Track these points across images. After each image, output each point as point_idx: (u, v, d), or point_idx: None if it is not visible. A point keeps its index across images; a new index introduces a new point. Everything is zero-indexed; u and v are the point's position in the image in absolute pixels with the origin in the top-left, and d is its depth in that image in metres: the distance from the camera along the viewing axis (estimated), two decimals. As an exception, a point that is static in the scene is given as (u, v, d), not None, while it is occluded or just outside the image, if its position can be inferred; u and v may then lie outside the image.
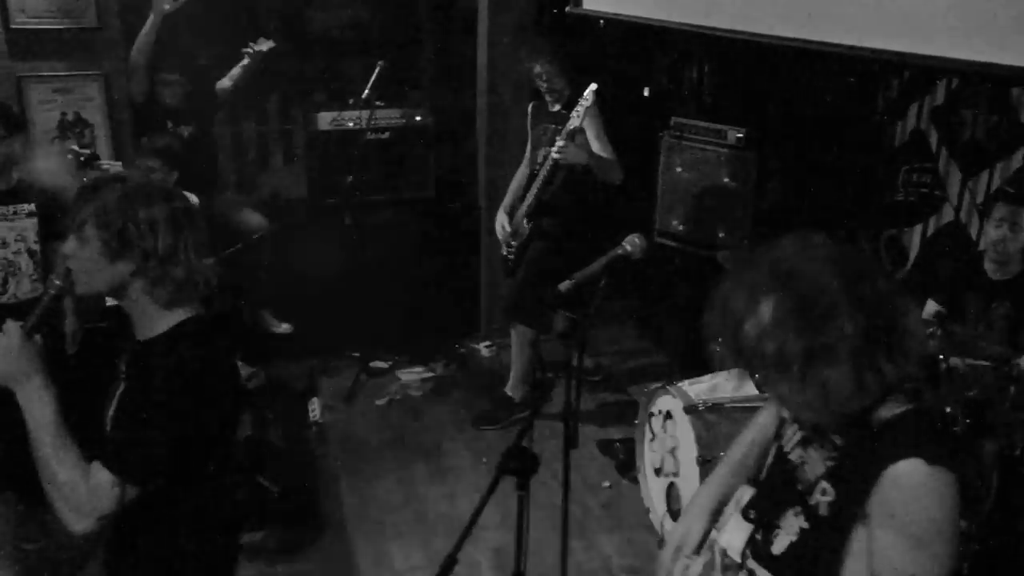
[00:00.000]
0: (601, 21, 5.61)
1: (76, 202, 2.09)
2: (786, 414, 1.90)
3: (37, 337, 2.14)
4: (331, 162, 5.65)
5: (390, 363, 5.64)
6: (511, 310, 5.06)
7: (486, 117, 5.80)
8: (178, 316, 2.14)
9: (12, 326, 2.11)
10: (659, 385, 4.13)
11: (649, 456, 4.20)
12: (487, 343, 5.97)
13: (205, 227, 2.16)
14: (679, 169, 5.43)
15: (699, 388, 3.95)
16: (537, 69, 4.77)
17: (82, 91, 5.11)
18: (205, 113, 5.46)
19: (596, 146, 4.69)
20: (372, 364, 5.57)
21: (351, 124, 5.63)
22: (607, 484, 4.55)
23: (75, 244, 2.09)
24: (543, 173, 4.75)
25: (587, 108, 4.45)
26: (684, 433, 3.85)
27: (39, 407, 2.03)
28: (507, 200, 5.13)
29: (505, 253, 5.06)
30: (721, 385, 3.95)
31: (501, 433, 4.96)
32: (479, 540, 3.89)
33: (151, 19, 4.95)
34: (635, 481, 4.33)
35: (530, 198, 4.85)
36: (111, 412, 2.18)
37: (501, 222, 5.07)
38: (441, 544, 4.06)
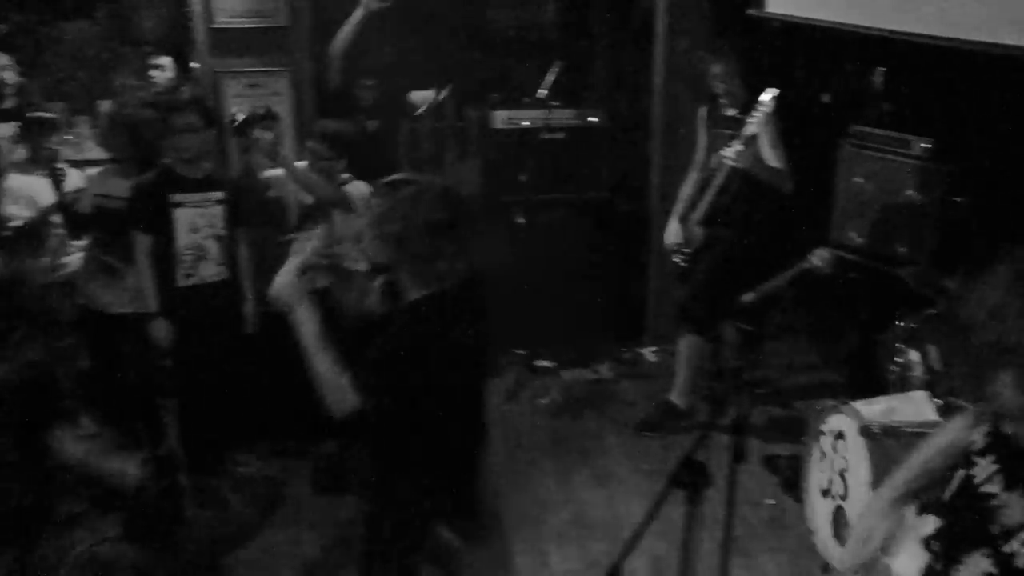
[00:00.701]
0: (779, 24, 5.45)
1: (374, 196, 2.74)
2: (981, 440, 1.81)
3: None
4: (505, 160, 5.72)
5: (554, 363, 5.66)
6: (682, 318, 4.97)
7: (661, 120, 5.74)
8: (417, 293, 2.64)
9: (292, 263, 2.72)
10: (832, 403, 3.97)
11: (816, 476, 4.06)
12: (652, 348, 5.91)
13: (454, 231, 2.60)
14: (858, 179, 5.20)
15: (874, 410, 3.78)
16: (715, 70, 4.70)
17: (272, 86, 5.36)
18: (393, 112, 5.59)
19: (769, 153, 4.58)
20: (536, 363, 5.61)
21: (526, 123, 5.68)
22: (770, 501, 4.43)
23: (369, 227, 2.68)
24: (718, 180, 4.66)
25: (765, 115, 4.34)
26: (857, 456, 3.70)
27: (307, 325, 2.60)
28: (679, 207, 5.05)
29: (678, 260, 4.99)
30: (898, 409, 3.77)
31: (663, 440, 4.91)
32: (640, 548, 3.84)
33: (356, 14, 5.12)
34: (800, 500, 4.19)
35: (704, 205, 4.77)
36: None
37: (672, 230, 5.00)
38: (599, 548, 4.06)
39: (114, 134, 4.58)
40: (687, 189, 5.06)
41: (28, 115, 5.26)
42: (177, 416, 4.76)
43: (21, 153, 5.01)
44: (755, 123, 4.38)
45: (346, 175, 4.39)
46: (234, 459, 4.87)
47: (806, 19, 5.02)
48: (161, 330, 4.33)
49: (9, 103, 5.47)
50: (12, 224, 4.68)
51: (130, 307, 4.48)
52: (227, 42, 5.21)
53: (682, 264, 4.95)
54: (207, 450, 4.69)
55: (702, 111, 5.05)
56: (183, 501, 4.42)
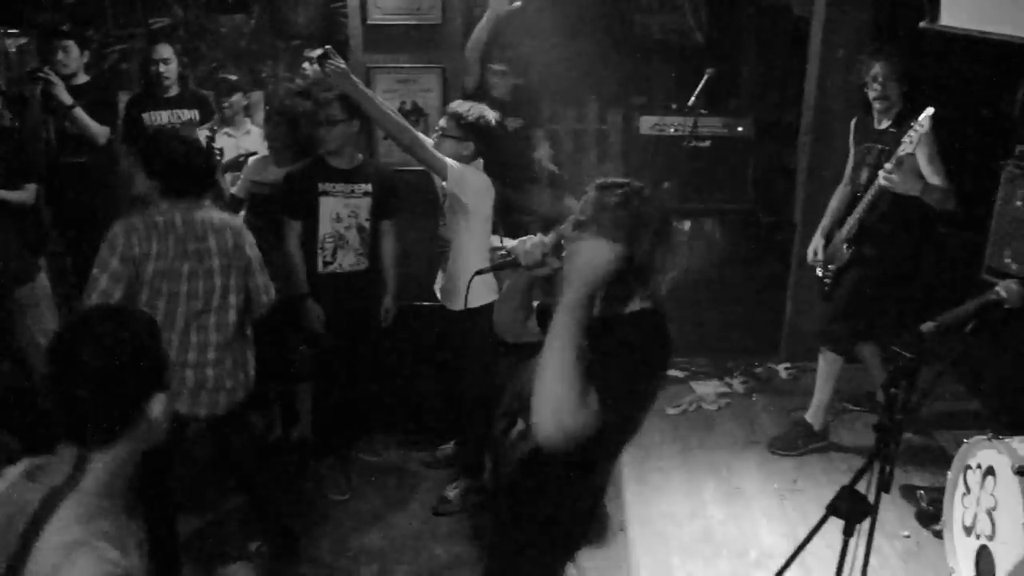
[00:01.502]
0: (940, 36, 5.23)
1: (593, 194, 2.32)
2: None
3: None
4: (648, 166, 5.67)
5: (685, 373, 5.59)
6: (824, 336, 4.83)
7: (811, 132, 5.59)
8: (638, 304, 2.35)
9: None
10: (982, 437, 3.78)
11: (959, 511, 3.87)
12: (787, 365, 5.77)
13: (679, 245, 2.35)
14: (1020, 203, 4.96)
15: (1031, 447, 3.59)
16: (875, 70, 4.51)
17: (422, 82, 5.43)
18: (531, 110, 5.57)
19: (928, 171, 4.39)
20: (667, 372, 5.53)
21: (672, 130, 5.62)
22: (906, 534, 4.25)
23: (573, 228, 2.32)
24: (868, 197, 4.50)
25: (921, 135, 4.17)
26: (1009, 495, 3.50)
27: (574, 312, 2.15)
28: (825, 221, 4.92)
29: (821, 275, 4.85)
30: (1057, 449, 3.57)
31: (795, 459, 4.79)
32: (768, 568, 3.76)
33: (486, 16, 5.18)
34: (939, 535, 4.02)
35: (852, 221, 4.62)
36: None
37: (815, 246, 4.87)
38: (726, 567, 3.98)
39: (273, 124, 4.73)
40: (834, 203, 4.93)
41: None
42: (311, 401, 4.90)
43: (193, 118, 5.55)
44: (910, 143, 4.20)
45: (476, 159, 4.25)
46: (362, 447, 4.98)
47: (985, 33, 4.80)
48: (313, 310, 4.46)
49: (173, 92, 5.71)
50: None
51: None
52: (380, 38, 5.31)
53: (825, 282, 4.81)
54: (337, 436, 4.79)
55: (853, 122, 4.90)
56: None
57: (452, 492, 4.50)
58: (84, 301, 3.43)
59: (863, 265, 4.65)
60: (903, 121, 4.46)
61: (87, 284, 3.43)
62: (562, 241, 2.35)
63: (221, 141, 5.45)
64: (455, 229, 4.20)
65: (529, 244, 2.39)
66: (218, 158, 5.09)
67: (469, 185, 4.08)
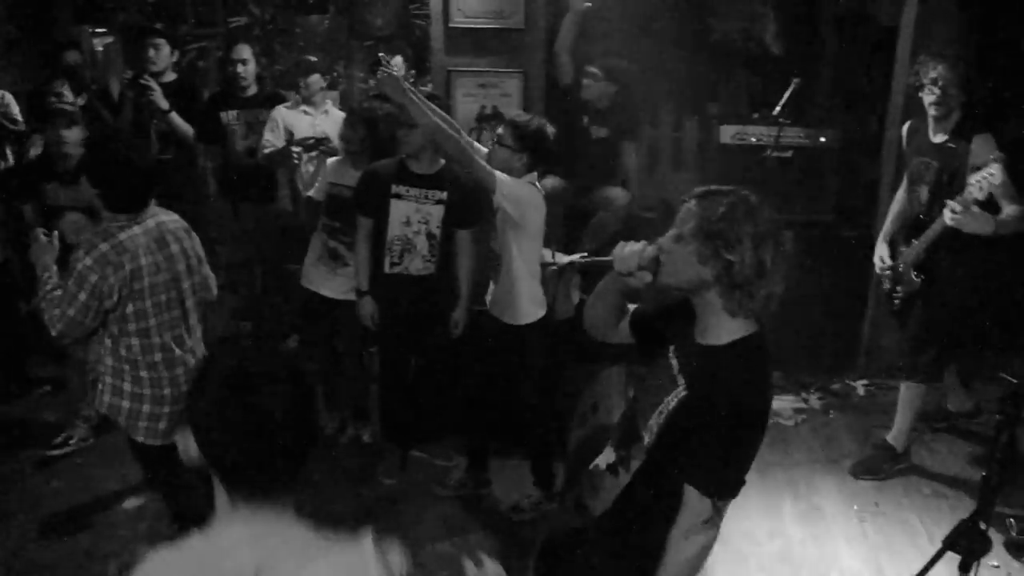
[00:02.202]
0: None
1: (694, 204, 2.22)
2: None
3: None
4: (727, 176, 5.56)
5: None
6: (907, 370, 4.65)
7: (895, 144, 5.45)
8: (740, 328, 2.22)
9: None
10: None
11: (1053, 542, 3.76)
12: (864, 381, 5.63)
13: (791, 253, 2.25)
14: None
15: None
16: (936, 72, 4.28)
17: (502, 87, 5.41)
18: (622, 120, 5.46)
19: (1001, 198, 4.15)
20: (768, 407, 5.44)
21: (754, 140, 5.51)
22: (996, 564, 4.10)
23: (673, 240, 2.24)
24: (933, 231, 4.31)
25: (990, 183, 3.96)
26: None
27: None
28: (887, 228, 4.78)
29: (888, 288, 4.71)
30: None
31: (878, 481, 4.67)
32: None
33: (569, 15, 5.14)
34: (1029, 566, 3.91)
35: (918, 248, 4.44)
36: (667, 412, 2.25)
37: (880, 253, 4.73)
38: (806, 589, 3.89)
39: (351, 126, 4.73)
40: (896, 207, 4.78)
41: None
42: (379, 402, 4.89)
43: (295, 96, 5.65)
44: (981, 189, 3.98)
45: (530, 172, 4.09)
46: (433, 451, 4.95)
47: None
48: (367, 307, 4.46)
49: (250, 91, 5.76)
50: (267, 150, 5.49)
51: (349, 295, 4.63)
52: (462, 41, 5.30)
53: (895, 297, 4.67)
54: (402, 439, 4.78)
55: (905, 127, 4.72)
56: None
57: (526, 501, 4.45)
58: (46, 316, 3.34)
59: (935, 294, 4.49)
60: (961, 135, 4.30)
61: (53, 296, 3.35)
62: (660, 256, 2.26)
63: (297, 119, 5.49)
64: (505, 242, 4.10)
65: (627, 251, 2.30)
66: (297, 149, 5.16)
67: (519, 199, 3.96)
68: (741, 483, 2.20)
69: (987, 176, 3.97)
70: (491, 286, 4.30)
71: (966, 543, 2.15)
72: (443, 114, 4.18)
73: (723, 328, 2.23)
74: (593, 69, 5.24)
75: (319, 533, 1.67)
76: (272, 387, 1.66)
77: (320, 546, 1.64)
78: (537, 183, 4.13)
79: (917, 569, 3.23)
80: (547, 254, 4.30)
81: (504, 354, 4.27)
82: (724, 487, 2.17)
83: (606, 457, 2.56)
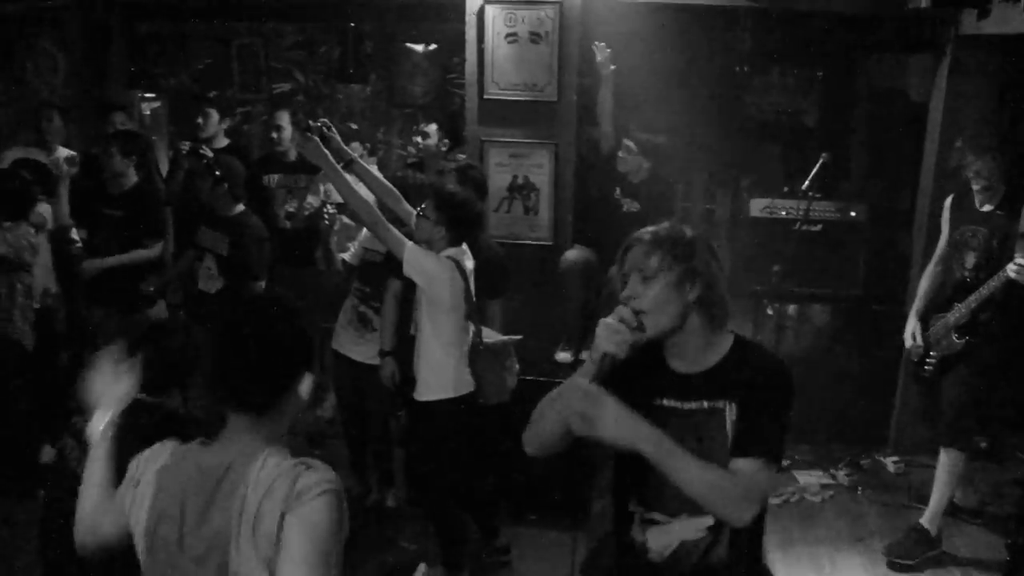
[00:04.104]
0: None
1: (629, 250, 2.33)
2: None
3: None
4: (757, 249, 5.60)
5: (788, 462, 5.42)
6: (950, 433, 4.55)
7: (926, 218, 5.46)
8: (729, 337, 2.33)
9: (584, 373, 2.24)
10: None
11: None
12: (895, 458, 5.55)
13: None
14: None
15: None
16: (977, 166, 4.39)
17: (534, 157, 5.50)
18: (656, 195, 5.38)
19: None
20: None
21: (784, 213, 5.55)
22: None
23: (641, 285, 2.26)
24: (987, 289, 4.31)
25: None
26: None
27: (663, 441, 2.14)
28: (919, 304, 4.75)
29: (918, 361, 4.66)
30: None
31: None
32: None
33: (602, 86, 5.22)
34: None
35: (964, 310, 4.42)
36: (742, 441, 2.23)
37: (912, 329, 4.70)
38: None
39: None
40: (926, 283, 4.78)
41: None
42: (404, 466, 4.91)
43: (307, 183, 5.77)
44: None
45: (454, 245, 4.04)
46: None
47: None
48: (389, 367, 4.48)
49: (291, 156, 5.92)
50: (306, 212, 5.68)
51: (376, 360, 4.66)
52: (495, 112, 5.42)
53: (926, 368, 4.62)
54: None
55: (948, 200, 4.75)
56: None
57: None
58: None
59: (980, 355, 4.46)
60: (1011, 203, 4.33)
61: None
62: (636, 307, 2.25)
63: None
64: (419, 314, 4.07)
65: (609, 326, 2.22)
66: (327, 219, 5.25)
67: (425, 271, 3.91)
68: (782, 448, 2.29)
69: None
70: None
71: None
72: (383, 182, 4.33)
73: (711, 347, 2.30)
74: (628, 143, 5.27)
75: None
76: (266, 312, 2.03)
77: (265, 459, 1.92)
78: (463, 256, 4.05)
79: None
80: (473, 332, 4.18)
81: (416, 429, 4.26)
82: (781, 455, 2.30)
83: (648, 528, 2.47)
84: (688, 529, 2.31)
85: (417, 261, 3.91)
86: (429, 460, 4.24)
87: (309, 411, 5.57)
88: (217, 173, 4.78)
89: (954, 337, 4.49)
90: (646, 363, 2.33)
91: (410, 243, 3.93)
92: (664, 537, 2.35)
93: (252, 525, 1.85)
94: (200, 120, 6.08)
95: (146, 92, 7.30)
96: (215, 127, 6.15)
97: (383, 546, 4.72)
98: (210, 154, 5.68)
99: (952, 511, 4.81)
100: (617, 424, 2.13)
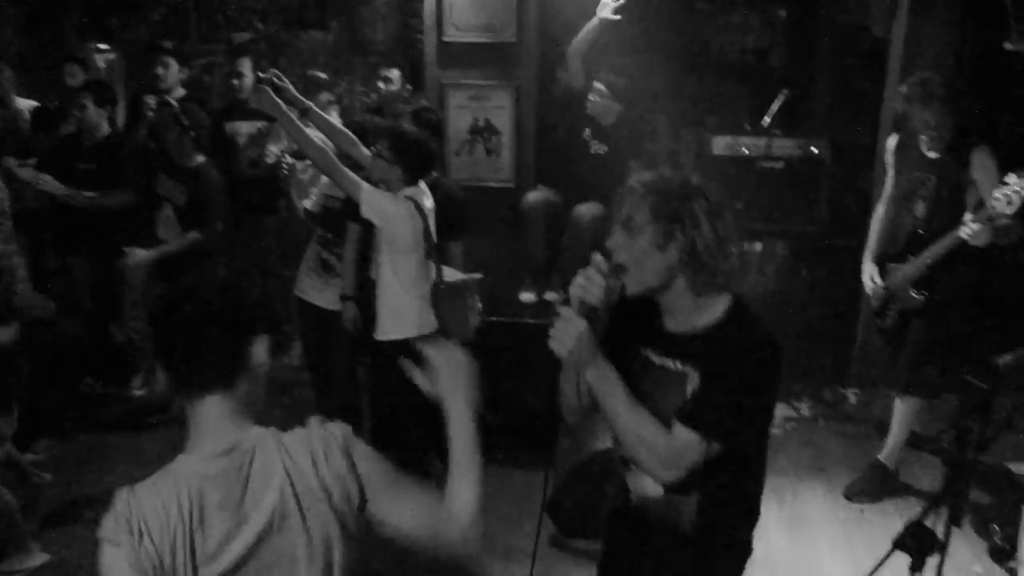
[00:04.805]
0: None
1: (622, 198, 2.22)
2: None
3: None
4: (720, 188, 5.59)
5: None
6: (910, 384, 4.58)
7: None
8: (724, 301, 2.25)
9: (570, 313, 2.19)
10: (1059, 471, 3.68)
11: (1034, 547, 3.77)
12: (855, 390, 5.65)
13: (733, 221, 2.23)
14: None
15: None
16: (925, 116, 4.25)
17: (494, 99, 5.48)
18: (626, 140, 5.38)
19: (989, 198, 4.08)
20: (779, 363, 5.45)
21: (745, 151, 5.57)
22: (979, 570, 4.12)
23: (625, 236, 2.20)
24: (943, 247, 4.19)
25: (1022, 196, 3.82)
26: (1086, 531, 3.40)
27: (610, 383, 2.19)
28: (873, 247, 4.69)
29: (878, 307, 4.64)
30: None
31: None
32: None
33: (591, 23, 5.14)
34: (1012, 573, 3.92)
35: (920, 266, 4.34)
36: (687, 408, 2.20)
37: (870, 273, 4.64)
38: (788, 595, 3.92)
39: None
40: (878, 225, 4.72)
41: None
42: (369, 411, 4.94)
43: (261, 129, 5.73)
44: (1008, 204, 3.85)
45: (410, 184, 4.09)
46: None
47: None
48: (350, 311, 4.50)
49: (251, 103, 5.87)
50: (269, 160, 5.67)
51: (338, 305, 4.67)
52: (455, 55, 5.39)
53: (886, 320, 4.62)
54: (393, 447, 4.79)
55: (893, 142, 4.68)
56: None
57: None
58: None
59: (938, 310, 4.43)
60: (956, 149, 4.28)
61: None
62: (619, 259, 2.20)
63: None
64: (378, 255, 4.12)
65: (590, 285, 2.18)
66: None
67: (383, 212, 3.95)
68: (736, 426, 2.19)
69: (1020, 190, 3.83)
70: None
71: (914, 543, 2.18)
72: (339, 128, 4.33)
73: (702, 310, 2.24)
74: (600, 86, 5.20)
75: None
76: (199, 290, 1.96)
77: (276, 439, 1.89)
78: (421, 196, 4.07)
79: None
80: (433, 271, 4.22)
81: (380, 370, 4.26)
82: (712, 426, 2.17)
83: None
84: (653, 487, 2.33)
85: (375, 202, 3.93)
86: (394, 401, 4.26)
87: (276, 359, 5.58)
88: (184, 123, 4.74)
89: (912, 293, 4.44)
90: (645, 313, 2.32)
91: (367, 185, 3.95)
92: (639, 481, 2.38)
93: (327, 495, 1.86)
94: (160, 71, 5.99)
95: (101, 43, 7.18)
96: (175, 78, 6.06)
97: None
98: (176, 105, 5.64)
99: (912, 441, 4.90)
100: (590, 357, 2.18)
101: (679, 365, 2.26)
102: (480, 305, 4.51)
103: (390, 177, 4.01)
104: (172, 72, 6.04)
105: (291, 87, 4.34)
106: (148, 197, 5.08)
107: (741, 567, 2.48)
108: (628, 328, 2.34)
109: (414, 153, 4.03)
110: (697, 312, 2.24)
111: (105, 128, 5.32)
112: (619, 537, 2.54)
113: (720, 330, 2.22)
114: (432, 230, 4.10)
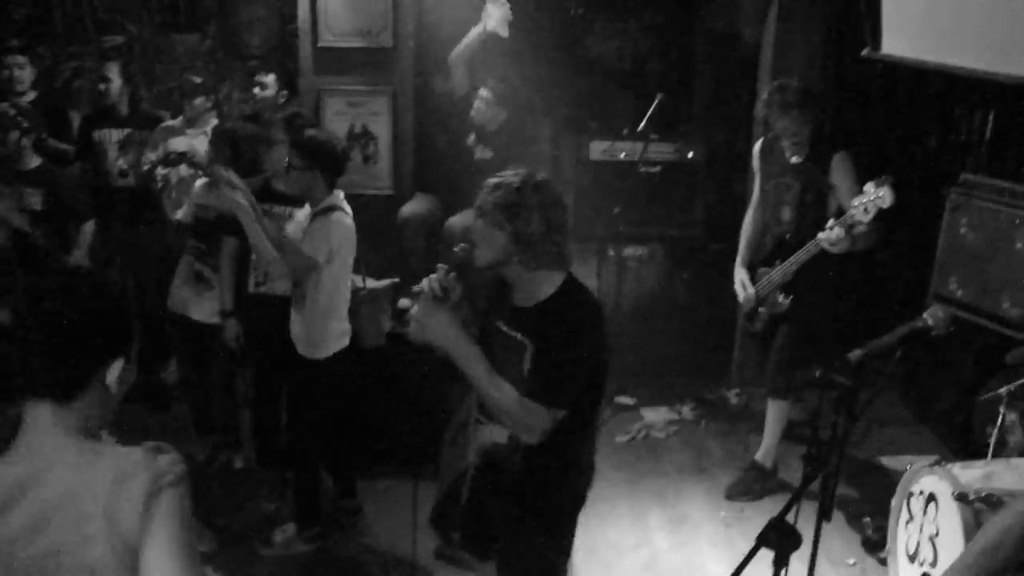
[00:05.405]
0: (880, 65, 5.28)
1: (484, 189, 2.67)
2: None
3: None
4: (599, 192, 5.66)
5: (635, 400, 5.56)
6: (774, 390, 4.71)
7: (760, 160, 5.61)
8: (555, 279, 2.67)
9: (427, 302, 2.61)
10: (924, 463, 3.78)
11: (903, 538, 3.87)
12: (736, 391, 5.76)
13: (566, 209, 2.69)
14: (964, 230, 4.99)
15: (972, 474, 3.59)
16: (784, 123, 4.39)
17: (371, 105, 5.42)
18: (504, 144, 5.36)
19: (847, 203, 4.23)
20: (617, 400, 5.52)
21: (623, 156, 5.63)
22: (852, 561, 4.25)
23: (477, 216, 2.67)
24: (806, 253, 4.33)
25: (878, 206, 3.98)
26: (950, 522, 3.51)
27: (474, 362, 2.57)
28: (743, 253, 4.80)
29: (749, 311, 4.75)
30: (998, 474, 3.58)
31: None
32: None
33: (476, 30, 5.12)
34: (883, 563, 4.02)
35: (787, 270, 4.47)
36: (527, 371, 2.64)
37: (741, 278, 4.75)
38: (669, 597, 3.96)
39: (216, 146, 4.68)
40: (748, 230, 4.83)
41: None
42: (251, 427, 4.82)
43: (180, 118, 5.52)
44: (864, 212, 4.01)
45: (332, 190, 4.03)
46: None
47: (923, 62, 4.84)
48: (232, 329, 4.41)
49: (124, 110, 5.65)
50: (144, 168, 5.37)
51: (216, 318, 4.55)
52: (331, 61, 5.31)
53: (756, 324, 4.74)
54: (277, 463, 4.70)
55: (757, 146, 4.80)
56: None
57: (279, 536, 4.29)
58: None
59: (802, 313, 4.56)
60: (818, 154, 4.41)
61: None
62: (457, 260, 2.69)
63: (178, 141, 5.39)
64: (313, 284, 4.00)
65: (436, 284, 2.63)
66: None
67: (340, 247, 3.95)
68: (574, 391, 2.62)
69: (875, 200, 3.98)
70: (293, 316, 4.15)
71: (776, 538, 2.23)
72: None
73: (538, 286, 2.66)
74: (485, 93, 5.21)
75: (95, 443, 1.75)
76: (73, 288, 1.77)
77: (92, 453, 1.71)
78: (344, 205, 4.03)
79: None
80: (357, 280, 4.24)
81: (308, 388, 4.18)
82: (554, 398, 2.58)
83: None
84: (500, 433, 2.75)
85: (332, 246, 3.90)
86: (313, 414, 4.21)
87: (152, 375, 5.40)
88: (25, 125, 4.54)
89: (780, 297, 4.56)
90: (503, 291, 2.76)
91: (315, 249, 3.90)
92: (484, 434, 2.83)
93: (107, 524, 1.65)
94: (16, 72, 5.69)
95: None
96: (30, 79, 5.78)
97: (237, 507, 4.61)
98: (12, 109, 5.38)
99: (786, 431, 5.00)
100: (445, 334, 2.56)
101: (519, 336, 2.68)
102: (390, 309, 4.52)
103: (311, 185, 3.93)
104: (26, 74, 5.76)
105: (242, 185, 3.99)
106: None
107: (572, 518, 2.90)
108: (494, 303, 2.79)
109: (327, 153, 3.94)
110: (535, 287, 2.67)
111: None
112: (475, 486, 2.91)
113: (550, 303, 2.65)
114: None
